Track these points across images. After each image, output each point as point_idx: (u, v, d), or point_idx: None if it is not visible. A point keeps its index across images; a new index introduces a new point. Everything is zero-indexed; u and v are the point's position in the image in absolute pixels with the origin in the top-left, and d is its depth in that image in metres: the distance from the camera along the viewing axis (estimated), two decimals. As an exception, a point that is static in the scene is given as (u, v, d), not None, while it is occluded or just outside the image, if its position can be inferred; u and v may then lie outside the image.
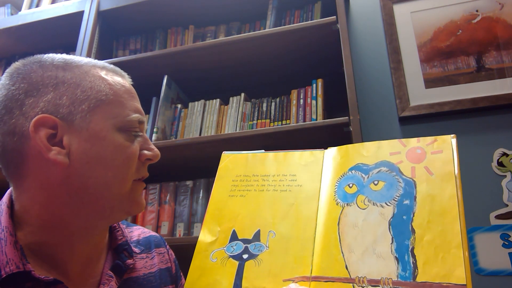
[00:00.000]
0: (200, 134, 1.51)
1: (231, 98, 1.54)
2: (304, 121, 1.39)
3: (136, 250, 0.66)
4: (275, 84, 1.70)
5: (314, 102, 1.40)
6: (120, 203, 0.57)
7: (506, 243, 1.25)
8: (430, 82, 1.51)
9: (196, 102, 1.58)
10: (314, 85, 1.43)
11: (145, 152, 0.59)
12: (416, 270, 0.50)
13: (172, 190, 1.49)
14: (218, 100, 1.55)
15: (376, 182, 0.58)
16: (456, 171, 0.55)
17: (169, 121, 1.57)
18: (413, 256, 0.51)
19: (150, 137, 1.51)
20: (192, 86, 1.73)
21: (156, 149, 0.61)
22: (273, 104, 1.49)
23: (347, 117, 1.23)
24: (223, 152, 0.74)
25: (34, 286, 0.50)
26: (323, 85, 1.43)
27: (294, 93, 1.46)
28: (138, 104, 0.60)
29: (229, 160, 0.73)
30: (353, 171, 0.61)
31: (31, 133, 0.52)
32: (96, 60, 0.61)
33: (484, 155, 1.37)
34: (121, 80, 0.60)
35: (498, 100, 1.40)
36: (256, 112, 1.49)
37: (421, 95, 1.49)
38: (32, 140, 0.52)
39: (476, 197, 1.33)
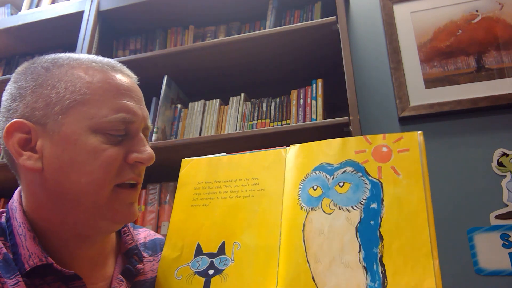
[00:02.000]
0: (200, 134, 1.51)
1: (231, 98, 1.54)
2: (304, 121, 1.39)
3: (145, 255, 0.66)
4: (275, 84, 1.70)
5: (314, 102, 1.40)
6: (100, 211, 0.53)
7: (506, 243, 1.25)
8: (430, 82, 1.51)
9: (196, 102, 1.58)
10: (314, 85, 1.43)
11: (134, 154, 0.54)
12: (386, 281, 0.47)
13: (172, 190, 1.49)
14: (218, 100, 1.55)
15: (341, 184, 0.55)
16: (423, 171, 0.51)
17: (169, 121, 1.57)
18: (382, 265, 0.48)
19: (150, 137, 1.51)
20: (192, 86, 1.73)
21: (148, 151, 0.55)
22: (273, 104, 1.49)
23: (347, 117, 1.23)
24: (183, 159, 0.70)
25: (54, 280, 0.51)
26: (323, 85, 1.43)
27: (294, 93, 1.46)
28: (127, 102, 0.55)
29: (189, 166, 0.68)
30: (317, 172, 0.58)
31: (4, 139, 0.52)
32: (87, 56, 0.58)
33: (484, 155, 1.37)
34: (111, 76, 0.55)
35: (498, 100, 1.40)
36: (256, 112, 1.49)
37: (421, 95, 1.49)
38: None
39: (476, 197, 1.33)
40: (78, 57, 0.57)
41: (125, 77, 0.58)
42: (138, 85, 0.61)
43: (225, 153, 0.68)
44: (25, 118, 0.52)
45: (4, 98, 0.56)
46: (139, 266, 0.62)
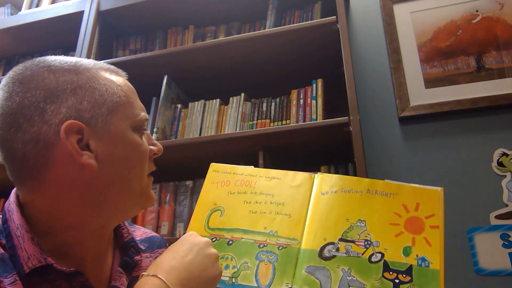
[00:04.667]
0: (200, 134, 1.51)
1: (231, 98, 1.54)
2: (304, 121, 1.39)
3: (142, 247, 0.68)
4: (275, 84, 1.70)
5: (314, 102, 1.40)
6: (138, 198, 0.60)
7: (506, 243, 1.25)
8: (430, 82, 1.51)
9: (196, 102, 1.58)
10: (314, 85, 1.43)
11: (152, 147, 0.63)
12: None
13: (172, 190, 1.49)
14: (218, 100, 1.55)
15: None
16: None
17: (169, 121, 1.57)
18: None
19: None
20: (192, 86, 1.73)
21: (159, 144, 0.65)
22: (273, 104, 1.49)
23: (347, 117, 1.23)
24: (212, 163, 0.76)
25: (56, 278, 0.52)
26: (323, 85, 1.43)
27: (294, 93, 1.46)
28: (140, 102, 0.63)
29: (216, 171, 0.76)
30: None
31: (62, 140, 0.52)
32: (98, 61, 0.62)
33: (484, 155, 1.37)
34: (124, 80, 0.63)
35: (498, 100, 1.40)
36: (256, 112, 1.49)
37: (421, 95, 1.49)
38: (61, 147, 0.53)
39: (476, 197, 1.33)
40: (94, 61, 0.62)
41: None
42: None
43: (252, 166, 0.73)
44: (72, 119, 0.54)
45: (28, 100, 0.53)
46: (137, 258, 0.64)
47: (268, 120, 1.46)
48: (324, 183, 0.66)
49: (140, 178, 0.59)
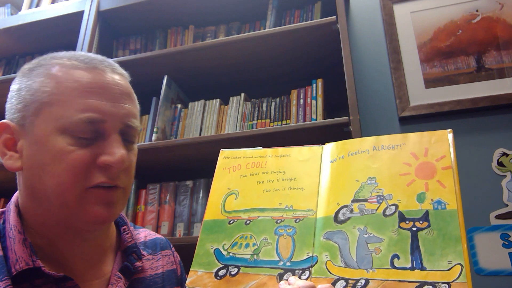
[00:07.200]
0: (200, 134, 1.51)
1: (231, 98, 1.54)
2: (304, 121, 1.39)
3: (144, 253, 0.67)
4: (275, 84, 1.70)
5: (314, 102, 1.40)
6: (72, 212, 0.52)
7: (506, 243, 1.25)
8: (430, 82, 1.51)
9: (196, 102, 1.58)
10: (314, 85, 1.43)
11: (104, 157, 0.52)
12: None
13: (172, 190, 1.49)
14: (218, 100, 1.55)
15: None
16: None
17: (169, 121, 1.57)
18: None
19: (150, 137, 1.51)
20: (192, 86, 1.73)
21: (118, 153, 0.52)
22: (273, 104, 1.49)
23: (347, 117, 1.23)
24: (221, 149, 0.77)
25: (44, 283, 0.51)
26: (323, 85, 1.43)
27: (294, 93, 1.46)
28: (96, 101, 0.52)
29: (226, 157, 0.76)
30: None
31: None
32: (71, 54, 0.57)
33: (484, 155, 1.37)
34: (83, 74, 0.53)
35: (498, 100, 1.40)
36: (256, 112, 1.49)
37: (421, 95, 1.49)
38: None
39: (476, 197, 1.33)
40: (62, 55, 0.57)
41: (102, 74, 0.55)
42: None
43: (261, 147, 0.75)
44: (10, 119, 0.55)
45: None
46: (138, 264, 0.63)
47: (268, 120, 1.46)
48: (331, 152, 0.67)
49: (66, 190, 0.50)
